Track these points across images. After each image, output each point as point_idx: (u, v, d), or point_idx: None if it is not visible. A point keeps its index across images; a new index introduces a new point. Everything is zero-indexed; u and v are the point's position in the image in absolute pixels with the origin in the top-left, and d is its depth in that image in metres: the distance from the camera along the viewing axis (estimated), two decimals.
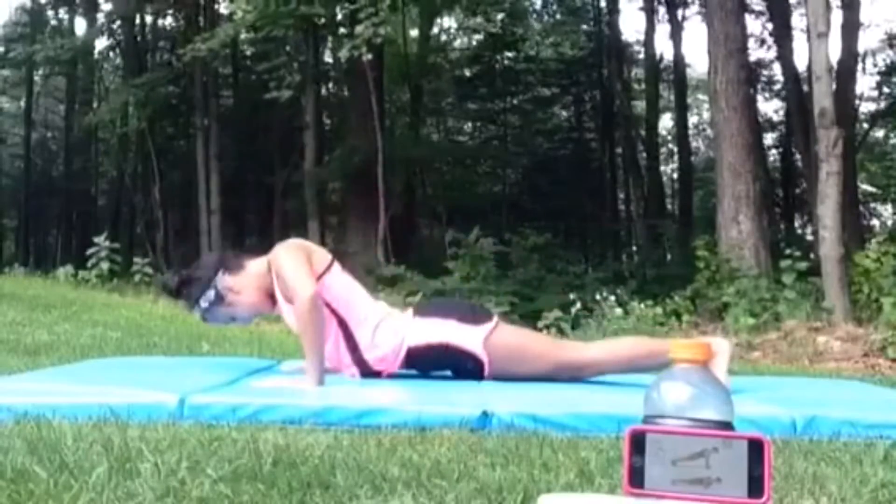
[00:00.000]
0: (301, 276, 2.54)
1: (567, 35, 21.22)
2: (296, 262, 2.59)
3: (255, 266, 2.74)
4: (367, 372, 2.70)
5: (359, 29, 10.64)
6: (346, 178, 14.69)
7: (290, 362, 3.41)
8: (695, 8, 18.34)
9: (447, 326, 2.67)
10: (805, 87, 12.77)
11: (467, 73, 22.11)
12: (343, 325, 2.69)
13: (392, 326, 2.70)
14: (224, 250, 2.71)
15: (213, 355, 4.10)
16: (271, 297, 2.71)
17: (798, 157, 17.98)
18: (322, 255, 2.73)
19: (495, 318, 2.72)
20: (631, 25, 53.57)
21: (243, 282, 2.72)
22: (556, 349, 2.74)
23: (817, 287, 7.67)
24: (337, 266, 2.75)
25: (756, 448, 0.99)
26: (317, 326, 2.51)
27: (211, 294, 2.70)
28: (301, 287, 2.52)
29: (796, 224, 20.09)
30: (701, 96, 22.89)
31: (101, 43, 20.60)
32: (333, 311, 2.67)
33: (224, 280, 2.71)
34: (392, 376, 2.72)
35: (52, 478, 1.32)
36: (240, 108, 20.21)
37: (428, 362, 2.72)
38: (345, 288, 2.74)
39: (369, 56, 11.42)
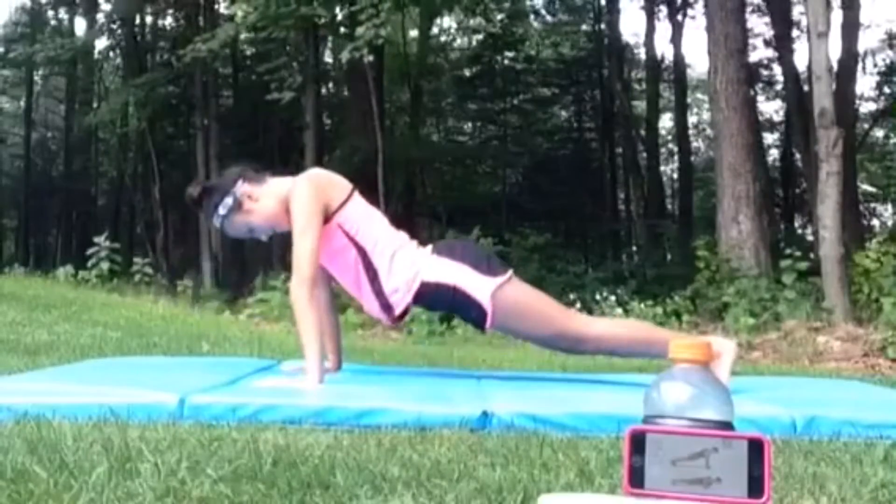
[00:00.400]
0: (304, 250, 2.54)
1: (567, 35, 21.24)
2: (307, 218, 2.57)
3: (276, 184, 2.72)
4: (386, 305, 2.67)
5: (360, 30, 10.64)
6: (346, 177, 14.67)
7: (290, 362, 3.41)
8: (695, 8, 18.34)
9: (461, 270, 2.64)
10: (805, 87, 12.78)
11: (467, 73, 22.11)
12: (362, 252, 2.66)
13: (409, 257, 2.68)
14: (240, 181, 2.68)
15: (213, 355, 4.10)
16: (289, 214, 2.66)
17: (798, 157, 17.98)
18: (342, 187, 2.71)
19: (510, 273, 2.67)
20: (631, 25, 53.62)
21: (262, 191, 2.71)
22: (561, 316, 2.69)
23: (817, 287, 7.67)
24: (357, 195, 2.73)
25: (756, 448, 0.99)
26: (311, 317, 2.51)
27: (229, 201, 2.69)
28: (298, 266, 2.53)
29: (796, 224, 20.08)
30: (701, 96, 22.89)
31: (101, 43, 20.60)
32: (352, 240, 2.65)
33: (243, 187, 2.70)
34: (403, 317, 2.72)
35: (52, 478, 1.32)
36: (240, 108, 20.21)
37: (435, 301, 2.70)
38: (364, 216, 2.71)
39: (370, 58, 11.43)
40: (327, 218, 2.64)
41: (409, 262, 2.67)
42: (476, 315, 2.64)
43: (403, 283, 2.65)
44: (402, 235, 2.77)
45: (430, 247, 2.76)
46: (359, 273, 2.68)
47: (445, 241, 2.81)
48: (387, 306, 2.69)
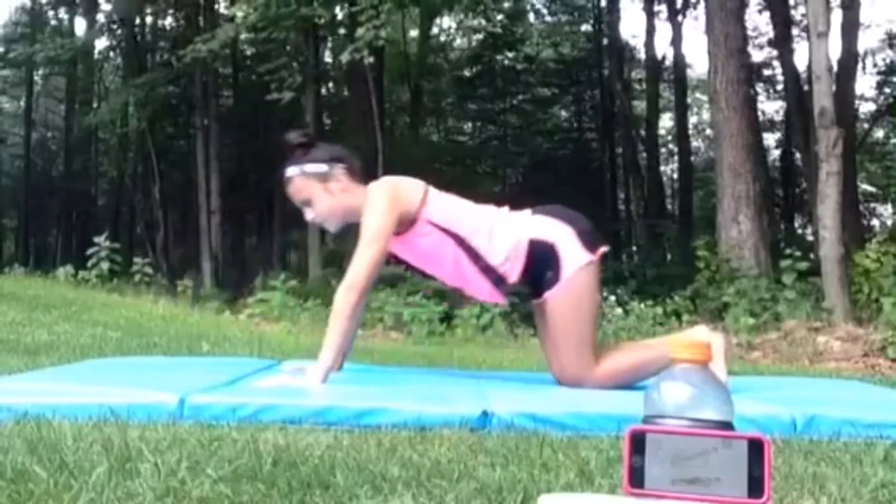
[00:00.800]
0: (367, 260, 2.51)
1: (567, 35, 21.25)
2: (378, 230, 2.54)
3: (363, 189, 2.67)
4: (498, 279, 2.64)
5: (360, 32, 10.64)
6: None
7: (291, 362, 3.41)
8: (695, 8, 18.34)
9: (563, 231, 2.62)
10: (805, 87, 12.78)
11: (467, 73, 22.12)
12: (459, 240, 2.63)
13: (507, 226, 2.66)
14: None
15: (213, 355, 4.10)
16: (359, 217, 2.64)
17: (798, 157, 17.99)
18: (415, 188, 2.67)
19: (601, 252, 2.63)
20: (631, 25, 53.63)
21: (351, 186, 2.68)
22: (586, 348, 2.61)
23: (817, 287, 7.67)
24: (432, 189, 2.69)
25: (756, 448, 0.99)
26: (344, 326, 2.50)
27: (321, 168, 2.66)
28: (356, 273, 2.51)
29: (796, 224, 20.09)
30: (701, 96, 22.90)
31: (101, 43, 20.64)
32: (445, 231, 2.62)
33: (339, 169, 2.68)
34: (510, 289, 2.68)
35: (52, 478, 1.32)
36: (240, 108, 20.22)
37: (537, 259, 2.63)
38: (448, 204, 2.69)
39: (370, 59, 11.43)
40: (412, 220, 2.61)
41: (508, 231, 2.65)
42: (549, 279, 2.60)
43: (510, 250, 2.62)
44: (491, 209, 2.75)
45: (527, 211, 2.73)
46: (459, 260, 2.65)
47: (553, 205, 2.76)
48: (499, 280, 2.64)
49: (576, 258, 2.60)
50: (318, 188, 2.68)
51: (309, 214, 2.74)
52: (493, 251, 2.63)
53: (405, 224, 2.61)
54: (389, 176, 2.76)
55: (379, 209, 2.56)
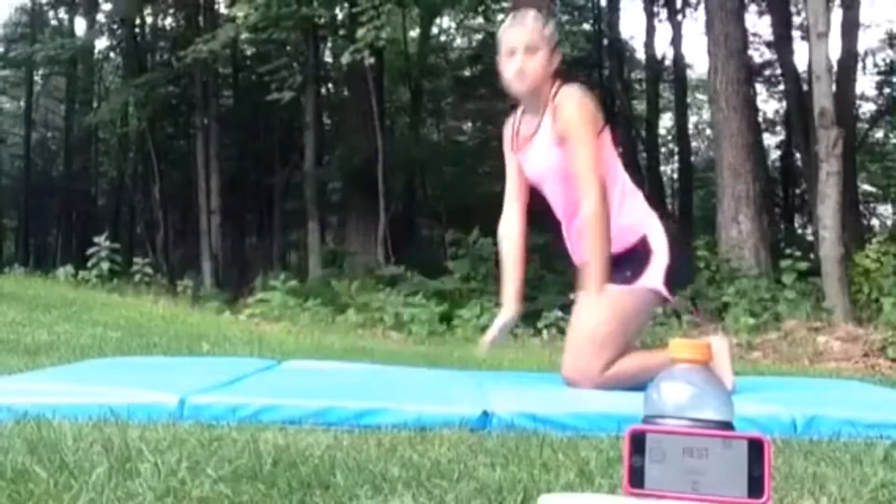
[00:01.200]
0: (591, 174, 2.54)
1: (567, 35, 21.22)
2: (589, 151, 2.57)
3: (553, 84, 2.71)
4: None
5: (360, 32, 10.63)
6: (346, 178, 14.71)
7: (291, 362, 3.41)
8: (696, 8, 18.34)
9: (663, 254, 2.61)
10: (805, 87, 12.78)
11: (467, 73, 22.10)
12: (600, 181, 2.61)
13: (636, 202, 2.67)
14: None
15: (213, 355, 4.10)
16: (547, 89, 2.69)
17: (798, 157, 17.99)
18: (600, 117, 2.70)
19: (668, 298, 2.63)
20: (631, 25, 53.61)
21: (555, 62, 2.74)
22: (606, 354, 2.56)
23: (817, 287, 7.67)
24: (607, 128, 2.72)
25: (756, 448, 0.99)
26: (607, 231, 2.53)
27: (556, 38, 2.75)
28: (593, 187, 2.53)
29: (796, 224, 20.10)
30: (701, 96, 22.88)
31: (101, 43, 20.64)
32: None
33: (560, 57, 2.74)
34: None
35: (52, 478, 1.32)
36: (240, 108, 20.21)
37: (636, 251, 2.62)
38: (608, 147, 2.69)
39: (371, 59, 11.43)
40: None
41: (637, 207, 2.66)
42: (625, 277, 2.58)
43: (629, 224, 2.62)
44: (630, 181, 2.75)
45: (642, 197, 2.75)
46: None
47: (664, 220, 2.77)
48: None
49: (656, 280, 2.60)
50: (546, 49, 2.71)
51: (517, 63, 2.71)
52: (617, 212, 2.62)
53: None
54: (578, 88, 2.74)
55: (585, 110, 2.63)
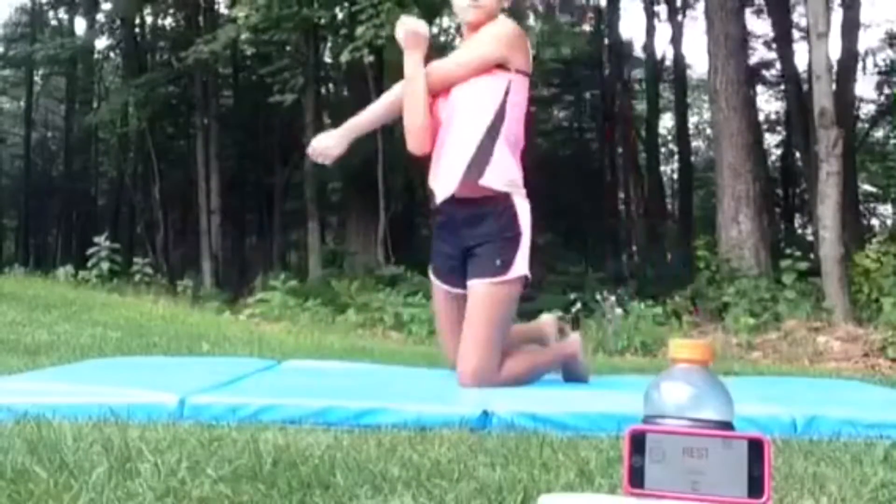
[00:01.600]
0: (447, 67, 2.77)
1: (567, 35, 21.21)
2: (471, 59, 2.73)
3: (499, 17, 2.78)
4: (482, 162, 2.65)
5: (359, 31, 10.63)
6: (346, 178, 14.69)
7: (291, 362, 3.41)
8: (695, 8, 18.35)
9: (528, 225, 2.66)
10: (805, 87, 12.78)
11: None
12: (501, 117, 2.66)
13: (516, 169, 2.69)
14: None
15: (213, 355, 4.10)
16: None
17: (798, 157, 17.99)
18: (521, 57, 2.74)
19: (528, 273, 2.65)
20: (631, 25, 53.62)
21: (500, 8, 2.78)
22: (496, 351, 2.59)
23: (817, 287, 7.68)
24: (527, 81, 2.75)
25: (756, 448, 0.99)
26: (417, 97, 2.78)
27: None
28: (441, 70, 2.78)
29: (796, 224, 20.10)
30: (701, 96, 22.90)
31: (101, 43, 20.64)
32: (504, 101, 2.66)
33: None
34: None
35: (52, 478, 1.32)
36: (240, 108, 20.21)
37: (491, 214, 2.66)
38: (522, 97, 2.72)
39: (370, 58, 11.42)
40: (503, 66, 2.68)
41: (516, 173, 2.68)
42: (497, 267, 2.61)
43: (502, 172, 2.65)
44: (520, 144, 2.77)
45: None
46: (478, 126, 2.66)
47: None
48: (481, 164, 2.65)
49: (524, 266, 2.64)
50: None
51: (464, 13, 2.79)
52: (504, 150, 2.65)
53: (489, 70, 2.68)
54: (513, 23, 2.82)
55: (488, 43, 2.69)
